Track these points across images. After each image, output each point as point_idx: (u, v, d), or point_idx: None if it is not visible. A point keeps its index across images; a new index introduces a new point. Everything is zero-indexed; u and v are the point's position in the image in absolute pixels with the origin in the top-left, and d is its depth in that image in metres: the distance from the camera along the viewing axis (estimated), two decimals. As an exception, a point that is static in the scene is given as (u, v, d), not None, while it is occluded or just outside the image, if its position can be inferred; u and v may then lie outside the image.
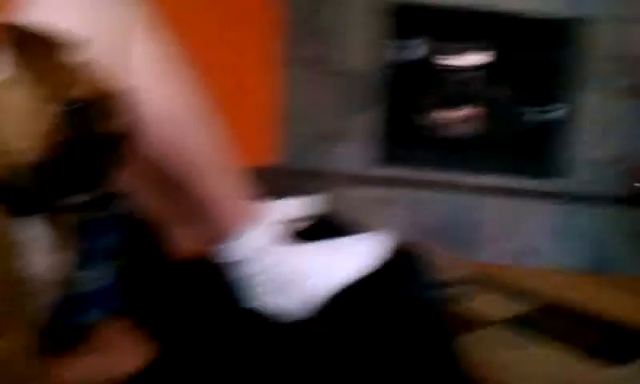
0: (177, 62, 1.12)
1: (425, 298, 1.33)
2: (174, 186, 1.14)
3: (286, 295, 1.20)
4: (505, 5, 2.79)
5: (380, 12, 2.81)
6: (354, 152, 2.93)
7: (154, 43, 1.09)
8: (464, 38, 3.04)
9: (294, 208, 1.51)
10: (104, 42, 1.03)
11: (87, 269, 1.03)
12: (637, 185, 2.79)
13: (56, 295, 0.82)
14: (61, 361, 0.84)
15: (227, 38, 2.67)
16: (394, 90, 2.93)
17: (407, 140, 3.02)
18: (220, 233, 1.17)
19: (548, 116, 2.95)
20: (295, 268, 1.21)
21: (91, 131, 0.72)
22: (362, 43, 2.83)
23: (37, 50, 0.70)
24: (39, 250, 0.74)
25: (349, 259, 1.25)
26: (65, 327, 0.97)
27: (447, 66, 3.09)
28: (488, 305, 2.27)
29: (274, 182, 2.61)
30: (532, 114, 3.01)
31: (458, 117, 3.18)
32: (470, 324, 2.09)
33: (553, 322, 2.20)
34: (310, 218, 1.53)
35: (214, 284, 1.28)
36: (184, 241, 1.36)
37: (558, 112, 2.92)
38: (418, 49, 3.05)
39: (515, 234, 2.78)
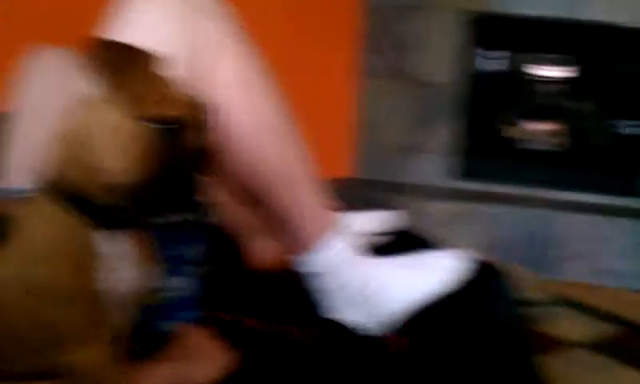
0: (262, 75, 1.13)
1: (507, 317, 1.30)
2: (256, 196, 1.15)
3: (362, 310, 1.19)
4: (591, 15, 2.70)
5: (462, 22, 2.78)
6: (432, 165, 2.90)
7: (240, 57, 1.10)
8: (549, 50, 2.97)
9: (373, 222, 1.50)
10: (192, 57, 1.05)
11: (170, 277, 1.05)
12: None
13: (138, 306, 0.84)
14: (142, 369, 0.85)
15: (306, 49, 2.70)
16: (474, 102, 2.89)
17: (487, 153, 2.97)
18: (301, 244, 1.17)
19: (635, 131, 2.86)
20: (373, 283, 1.19)
21: (184, 149, 0.72)
22: (442, 54, 2.80)
23: (130, 68, 0.71)
24: (124, 262, 0.75)
25: (428, 275, 1.23)
26: (146, 336, 0.99)
27: (531, 78, 3.03)
28: (571, 326, 2.21)
29: (352, 195, 2.61)
30: (618, 129, 2.92)
31: (540, 130, 3.11)
32: (552, 345, 2.04)
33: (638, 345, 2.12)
34: (387, 232, 1.52)
35: (294, 295, 1.29)
36: (265, 251, 1.37)
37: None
38: (500, 60, 3.00)
39: (596, 254, 2.69)
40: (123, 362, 0.82)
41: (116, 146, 0.71)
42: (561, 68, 2.99)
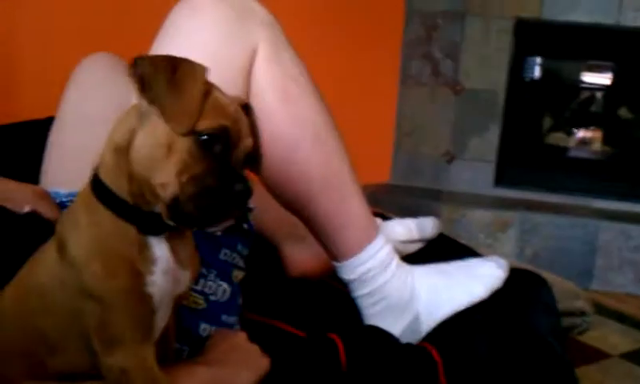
0: (306, 82, 1.14)
1: (546, 326, 1.29)
2: (300, 203, 1.15)
3: (394, 318, 1.19)
4: (631, 21, 2.66)
5: (506, 29, 2.76)
6: (474, 172, 2.88)
7: (284, 65, 1.11)
8: (594, 57, 2.94)
9: (408, 228, 1.49)
10: (238, 65, 1.07)
11: (216, 281, 1.06)
12: None
13: (176, 310, 0.85)
14: (184, 371, 0.86)
15: (349, 55, 2.70)
16: (517, 110, 2.87)
17: (530, 161, 2.95)
18: (343, 250, 1.17)
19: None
20: (406, 291, 1.19)
21: (223, 161, 0.72)
22: (486, 61, 2.79)
23: (178, 81, 0.71)
24: (164, 268, 0.76)
25: (470, 284, 1.22)
26: (190, 338, 1.00)
27: (576, 85, 3.00)
28: (609, 336, 2.18)
29: (387, 201, 2.60)
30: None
31: (585, 138, 3.07)
32: (590, 355, 2.01)
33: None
34: (423, 239, 1.51)
35: (335, 302, 1.29)
36: (306, 257, 1.38)
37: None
38: (545, 67, 2.97)
39: (636, 263, 2.64)
40: (167, 364, 0.84)
41: (154, 161, 0.71)
42: (606, 75, 2.95)
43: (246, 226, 1.17)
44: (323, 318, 1.23)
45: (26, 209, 1.06)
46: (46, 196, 1.14)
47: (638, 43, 2.75)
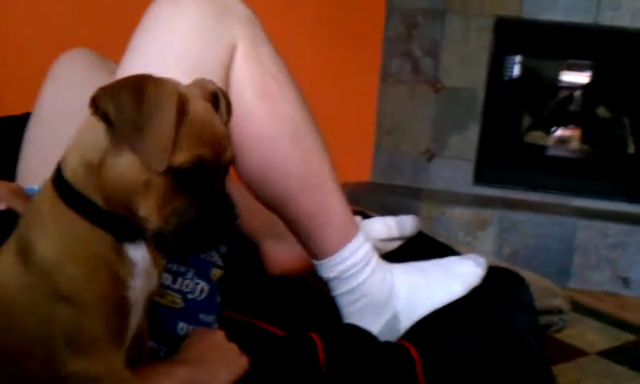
0: (285, 79, 1.13)
1: (523, 324, 1.29)
2: (280, 201, 1.15)
3: (373, 316, 1.19)
4: (617, 22, 2.68)
5: (486, 28, 2.77)
6: (453, 170, 2.89)
7: (263, 62, 1.10)
8: (573, 56, 2.96)
9: (388, 227, 1.49)
10: (216, 62, 1.06)
11: (193, 280, 1.06)
12: None
13: (149, 311, 0.84)
14: (161, 371, 0.86)
15: (328, 52, 2.70)
16: (493, 108, 2.88)
17: (505, 159, 2.96)
18: (322, 249, 1.17)
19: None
20: (385, 289, 1.19)
21: (205, 189, 0.70)
22: (465, 59, 2.80)
23: (132, 121, 0.66)
24: (141, 271, 0.75)
25: (442, 282, 1.23)
26: (167, 337, 0.99)
27: (554, 84, 3.02)
28: (586, 333, 2.19)
29: (367, 199, 2.61)
30: (637, 136, 2.90)
31: (564, 137, 3.09)
32: (567, 352, 2.03)
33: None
34: (403, 237, 1.51)
35: (314, 300, 1.29)
36: (285, 255, 1.37)
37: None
38: (523, 66, 2.99)
39: (618, 262, 2.67)
40: (144, 364, 0.83)
41: (147, 197, 0.69)
42: (585, 74, 2.98)
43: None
44: (302, 317, 1.23)
45: (1, 206, 1.05)
46: (22, 193, 1.13)
47: (615, 42, 2.78)
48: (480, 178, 2.90)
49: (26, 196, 1.13)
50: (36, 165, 1.26)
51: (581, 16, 2.68)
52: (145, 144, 0.66)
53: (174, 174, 0.68)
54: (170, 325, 1.01)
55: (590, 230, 2.65)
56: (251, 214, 1.32)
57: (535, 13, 2.72)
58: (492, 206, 2.73)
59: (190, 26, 1.05)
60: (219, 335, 0.97)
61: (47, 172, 1.20)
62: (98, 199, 0.71)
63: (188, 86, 0.75)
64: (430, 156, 2.90)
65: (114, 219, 0.72)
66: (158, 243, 0.71)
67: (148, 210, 0.69)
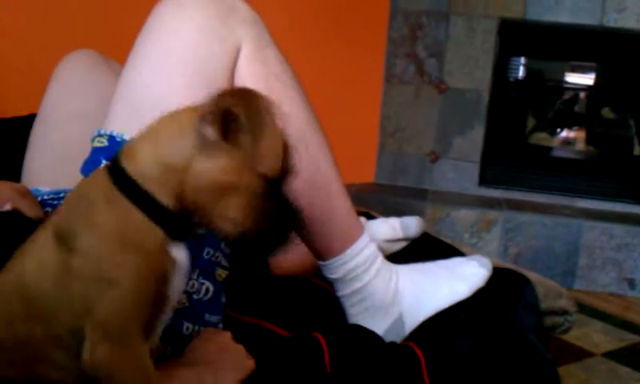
0: (291, 80, 1.13)
1: (529, 325, 1.29)
2: None
3: (378, 317, 1.19)
4: (623, 23, 2.67)
5: (490, 29, 2.77)
6: (455, 172, 2.89)
7: (268, 63, 1.10)
8: (572, 57, 2.95)
9: (393, 228, 1.49)
10: (222, 64, 1.06)
11: (191, 280, 1.06)
12: None
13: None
14: (167, 371, 0.86)
15: (333, 54, 2.70)
16: (497, 110, 2.88)
17: (510, 160, 2.96)
18: (328, 250, 1.17)
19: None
20: (390, 290, 1.19)
21: (279, 197, 0.75)
22: (470, 61, 2.80)
23: (257, 126, 0.71)
24: (181, 270, 0.77)
25: (447, 283, 1.23)
26: (173, 337, 0.99)
27: (554, 85, 3.01)
28: (592, 335, 2.19)
29: (371, 201, 2.61)
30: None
31: (564, 138, 3.09)
32: (573, 354, 2.03)
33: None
34: (408, 238, 1.51)
35: (319, 301, 1.29)
36: (287, 256, 1.37)
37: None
38: (529, 68, 2.98)
39: (618, 263, 2.67)
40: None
41: (235, 200, 0.72)
42: (589, 75, 2.97)
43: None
44: (308, 318, 1.23)
45: (7, 207, 1.05)
46: (28, 194, 1.13)
47: (620, 44, 2.77)
48: (485, 179, 2.90)
49: (31, 196, 1.13)
50: (41, 165, 1.26)
51: (585, 17, 2.68)
52: (262, 148, 0.71)
53: (268, 180, 0.72)
54: (175, 325, 1.01)
55: (595, 231, 2.64)
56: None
57: (540, 14, 2.72)
58: (497, 207, 2.73)
59: (195, 27, 1.06)
60: (226, 336, 0.97)
61: (52, 172, 1.21)
62: (163, 197, 0.73)
63: None
64: (435, 157, 2.90)
65: (173, 217, 0.74)
66: (237, 243, 0.74)
67: (235, 212, 0.72)
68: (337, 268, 1.18)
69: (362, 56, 2.80)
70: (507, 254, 2.68)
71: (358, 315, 1.19)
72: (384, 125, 2.92)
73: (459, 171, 2.89)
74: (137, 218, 0.73)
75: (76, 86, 1.30)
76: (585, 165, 3.00)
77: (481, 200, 2.82)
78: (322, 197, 1.15)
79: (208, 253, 1.10)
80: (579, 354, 2.05)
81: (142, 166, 0.74)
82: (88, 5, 2.07)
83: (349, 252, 1.16)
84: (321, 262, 1.19)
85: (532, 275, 1.45)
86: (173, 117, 0.75)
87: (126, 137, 1.02)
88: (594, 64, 2.97)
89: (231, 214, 0.72)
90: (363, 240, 1.18)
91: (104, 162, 1.01)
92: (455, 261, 1.29)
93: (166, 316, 0.79)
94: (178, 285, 0.77)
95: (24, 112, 1.54)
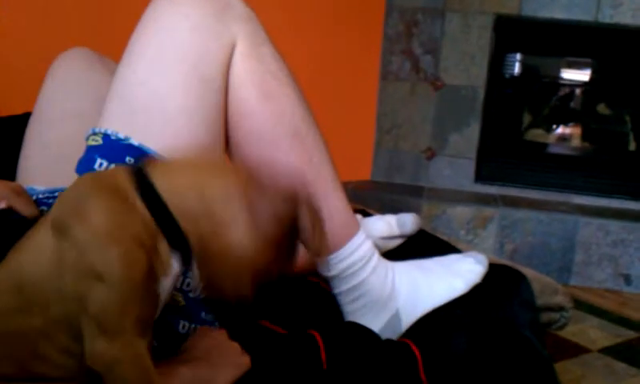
0: (286, 78, 1.13)
1: (525, 321, 1.29)
2: None
3: (375, 314, 1.19)
4: (618, 19, 2.68)
5: (486, 26, 2.77)
6: (451, 168, 2.90)
7: (257, 59, 1.10)
8: (567, 53, 2.96)
9: (389, 224, 1.49)
10: (217, 61, 1.06)
11: (186, 279, 1.05)
12: None
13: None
14: (162, 370, 0.86)
15: (329, 51, 2.70)
16: (493, 106, 2.88)
17: (506, 157, 2.96)
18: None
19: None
20: (387, 287, 1.19)
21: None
22: (465, 57, 2.80)
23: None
24: (175, 273, 0.77)
25: (444, 279, 1.23)
26: (168, 335, 0.99)
27: (550, 82, 3.02)
28: (588, 331, 2.20)
29: (368, 198, 2.61)
30: (638, 133, 2.89)
31: (560, 134, 3.09)
32: (569, 350, 2.03)
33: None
34: (404, 235, 1.51)
35: (316, 298, 1.28)
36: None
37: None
38: (518, 64, 2.99)
39: (614, 259, 2.67)
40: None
41: (244, 278, 0.75)
42: (585, 72, 2.98)
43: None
44: (304, 315, 1.23)
45: (2, 205, 1.05)
46: (23, 192, 1.13)
47: (615, 40, 2.77)
48: (481, 175, 2.90)
49: (26, 195, 1.13)
50: (36, 164, 1.26)
51: (581, 13, 2.68)
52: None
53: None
54: (171, 323, 1.01)
55: (591, 228, 2.65)
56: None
57: (535, 10, 2.72)
58: (493, 204, 2.73)
59: (190, 24, 1.05)
60: (221, 334, 0.97)
61: (47, 171, 1.21)
62: (180, 220, 0.75)
63: None
64: (431, 154, 2.90)
65: (183, 241, 0.76)
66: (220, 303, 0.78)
67: (245, 288, 0.77)
68: (333, 265, 1.17)
69: (357, 53, 2.80)
70: (503, 250, 2.68)
71: (355, 312, 1.19)
72: (380, 122, 2.92)
73: (455, 168, 2.89)
74: (141, 216, 0.73)
75: (71, 84, 1.30)
76: (581, 161, 3.00)
77: (477, 197, 2.82)
78: (317, 194, 1.14)
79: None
80: (575, 349, 2.05)
81: (177, 193, 0.75)
82: (88, 5, 2.07)
83: (345, 249, 1.16)
84: (319, 260, 1.19)
85: (528, 271, 1.45)
86: (217, 166, 0.80)
87: (121, 135, 1.02)
88: (589, 60, 2.97)
89: (239, 289, 0.75)
90: (359, 237, 1.18)
91: (101, 162, 1.01)
92: (451, 258, 1.29)
93: (156, 314, 0.79)
94: (167, 287, 0.77)
95: (18, 110, 1.54)
